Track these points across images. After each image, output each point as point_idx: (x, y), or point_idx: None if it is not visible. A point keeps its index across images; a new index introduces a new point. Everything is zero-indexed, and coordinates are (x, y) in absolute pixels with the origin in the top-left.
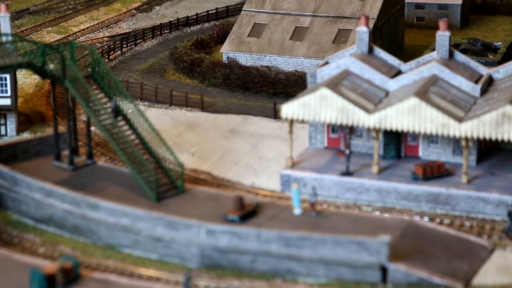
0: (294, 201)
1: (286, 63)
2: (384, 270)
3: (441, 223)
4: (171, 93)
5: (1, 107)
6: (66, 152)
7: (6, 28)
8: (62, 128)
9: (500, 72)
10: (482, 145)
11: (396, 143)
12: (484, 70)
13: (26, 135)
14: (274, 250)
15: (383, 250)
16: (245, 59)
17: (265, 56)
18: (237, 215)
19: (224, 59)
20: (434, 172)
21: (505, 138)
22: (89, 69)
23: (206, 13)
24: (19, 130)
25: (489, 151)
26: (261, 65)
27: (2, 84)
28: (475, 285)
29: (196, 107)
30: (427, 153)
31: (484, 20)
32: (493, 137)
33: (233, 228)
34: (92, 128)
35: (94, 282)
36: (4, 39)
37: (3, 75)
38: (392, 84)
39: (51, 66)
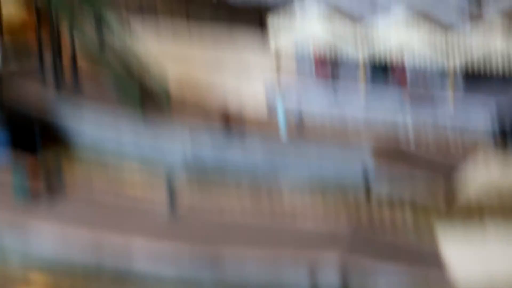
0: (280, 127)
1: None
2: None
3: (427, 146)
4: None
5: None
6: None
7: None
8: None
9: None
10: (470, 76)
11: (384, 72)
12: None
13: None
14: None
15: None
16: None
17: None
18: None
19: None
20: (422, 100)
21: (494, 68)
22: None
23: None
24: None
25: (477, 81)
26: None
27: None
28: (459, 199)
29: None
30: (415, 82)
31: None
32: (481, 67)
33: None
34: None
35: (79, 190)
36: None
37: None
38: None
39: None
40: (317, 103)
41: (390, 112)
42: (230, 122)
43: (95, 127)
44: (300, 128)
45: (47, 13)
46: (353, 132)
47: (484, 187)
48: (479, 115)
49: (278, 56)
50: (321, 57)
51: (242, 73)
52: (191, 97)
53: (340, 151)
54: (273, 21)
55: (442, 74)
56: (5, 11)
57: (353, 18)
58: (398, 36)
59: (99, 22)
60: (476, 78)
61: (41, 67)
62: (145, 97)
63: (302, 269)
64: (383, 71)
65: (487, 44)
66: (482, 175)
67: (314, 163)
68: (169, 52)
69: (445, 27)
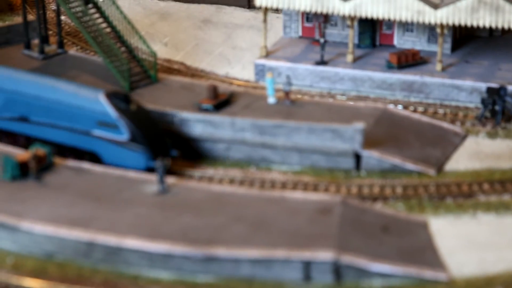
0: (268, 90)
1: None
2: (357, 157)
3: (415, 111)
4: None
5: None
6: (36, 41)
7: None
8: (31, 17)
9: None
10: (457, 33)
11: (371, 32)
12: None
13: None
14: (248, 138)
15: (357, 137)
16: None
17: None
18: (211, 104)
19: None
20: (409, 60)
21: (481, 25)
22: None
23: None
24: None
25: (464, 39)
26: None
27: None
28: (447, 170)
29: None
30: (402, 41)
31: None
32: (469, 24)
33: (207, 116)
34: (63, 18)
35: (68, 170)
36: None
37: None
38: None
39: None
40: (304, 66)
41: (377, 73)
42: (218, 96)
43: None
44: (288, 95)
45: None
46: (339, 100)
47: (473, 156)
48: (468, 82)
49: (265, 14)
50: (308, 14)
51: (231, 47)
52: (179, 70)
53: (329, 126)
54: None
55: (431, 33)
56: None
57: None
58: None
59: None
60: (464, 37)
61: (25, 28)
62: (134, 69)
63: (296, 263)
64: (371, 31)
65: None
66: (471, 144)
67: (304, 138)
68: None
69: None
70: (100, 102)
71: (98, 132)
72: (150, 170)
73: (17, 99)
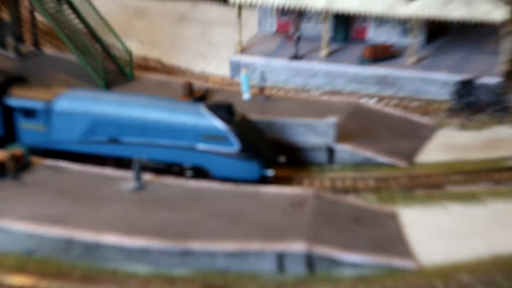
0: (243, 86)
1: None
2: (331, 151)
3: (387, 104)
4: None
5: None
6: (10, 41)
7: None
8: (5, 16)
9: None
10: (430, 27)
11: (345, 26)
12: None
13: None
14: None
15: (330, 132)
16: None
17: None
18: (187, 100)
19: None
20: (382, 54)
21: (453, 17)
22: None
23: None
24: None
25: (436, 33)
26: None
27: None
28: (419, 162)
29: None
30: (376, 35)
31: None
32: (441, 17)
33: None
34: (38, 17)
35: (45, 169)
36: None
37: None
38: None
39: None
40: (279, 61)
41: (351, 67)
42: (193, 93)
43: None
44: (263, 91)
45: None
46: (314, 95)
47: (444, 148)
48: (439, 75)
49: (240, 10)
50: (283, 10)
51: (206, 44)
52: (155, 68)
53: (302, 121)
54: None
55: (404, 26)
56: None
57: None
58: None
59: None
60: (437, 31)
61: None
62: (109, 67)
63: (270, 255)
64: (345, 25)
65: None
66: (442, 136)
67: (278, 134)
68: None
69: None
70: (204, 116)
71: (204, 146)
72: (263, 179)
73: (105, 121)
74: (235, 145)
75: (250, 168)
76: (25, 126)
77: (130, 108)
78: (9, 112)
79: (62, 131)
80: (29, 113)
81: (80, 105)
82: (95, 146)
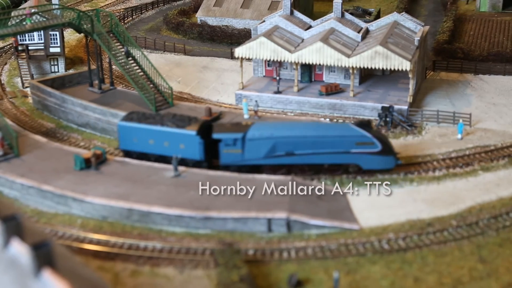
0: (244, 110)
1: (238, 23)
2: None
3: (337, 121)
4: (164, 44)
5: (54, 53)
6: (96, 82)
7: (56, 1)
8: (93, 66)
9: (373, 26)
10: (363, 72)
11: (309, 72)
12: (363, 25)
13: (70, 71)
14: None
15: None
16: (212, 21)
17: (225, 19)
18: (207, 119)
19: (198, 21)
20: (333, 90)
21: (377, 67)
22: (110, 28)
23: None
24: (66, 68)
25: (366, 76)
26: (222, 24)
27: (54, 38)
28: None
29: (181, 52)
30: (328, 78)
31: None
32: (369, 67)
33: None
34: (113, 67)
35: (116, 163)
36: (54, 7)
37: (54, 32)
38: (306, 34)
39: (85, 25)
40: (267, 94)
41: (313, 98)
42: (212, 114)
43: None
44: (257, 113)
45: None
46: (289, 115)
47: None
48: (370, 103)
49: (241, 62)
50: (269, 62)
51: (220, 85)
52: (187, 99)
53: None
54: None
55: (346, 72)
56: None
57: (289, 42)
58: (317, 52)
59: (128, 53)
60: (367, 75)
61: (89, 74)
62: (158, 98)
63: (262, 220)
64: (309, 71)
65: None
66: None
67: None
68: (173, 70)
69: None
70: (357, 130)
71: (356, 149)
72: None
73: (284, 141)
74: (378, 147)
75: (389, 160)
76: (226, 151)
77: (301, 131)
78: (211, 143)
79: (252, 152)
80: (231, 142)
81: (265, 133)
82: (275, 159)
